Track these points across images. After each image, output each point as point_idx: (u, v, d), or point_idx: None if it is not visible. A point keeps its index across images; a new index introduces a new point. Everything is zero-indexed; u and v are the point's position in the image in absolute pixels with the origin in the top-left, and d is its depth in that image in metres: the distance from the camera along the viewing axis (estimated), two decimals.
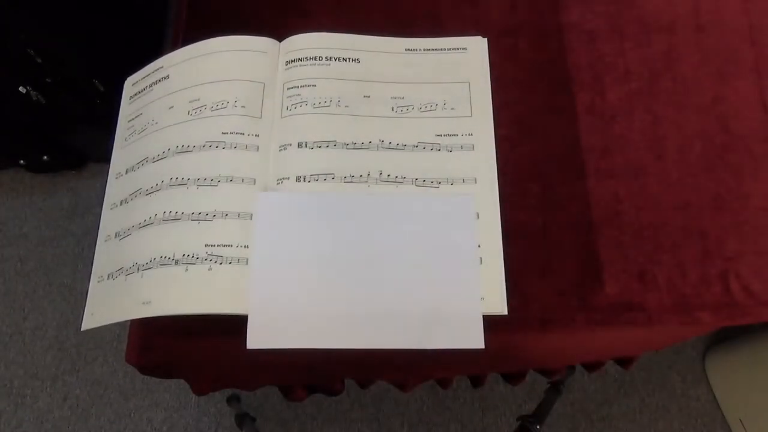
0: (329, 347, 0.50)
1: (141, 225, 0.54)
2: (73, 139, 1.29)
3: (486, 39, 0.61)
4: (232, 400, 1.10)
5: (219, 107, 0.58)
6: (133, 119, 0.62)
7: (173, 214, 0.54)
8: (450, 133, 0.57)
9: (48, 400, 1.33)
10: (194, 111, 0.58)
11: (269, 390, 1.27)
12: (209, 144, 0.56)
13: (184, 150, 0.57)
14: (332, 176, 0.55)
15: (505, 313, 0.51)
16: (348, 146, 0.56)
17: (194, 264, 0.51)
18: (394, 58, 0.61)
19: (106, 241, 0.57)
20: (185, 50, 0.61)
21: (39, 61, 0.82)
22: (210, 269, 0.51)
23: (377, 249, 0.52)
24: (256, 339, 0.49)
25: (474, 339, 0.49)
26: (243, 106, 0.58)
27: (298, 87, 0.59)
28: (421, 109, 0.58)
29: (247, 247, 0.52)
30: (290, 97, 0.59)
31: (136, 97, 0.63)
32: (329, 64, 0.60)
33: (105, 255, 0.56)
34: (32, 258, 1.44)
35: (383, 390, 1.32)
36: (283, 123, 0.58)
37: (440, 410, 1.31)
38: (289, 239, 0.52)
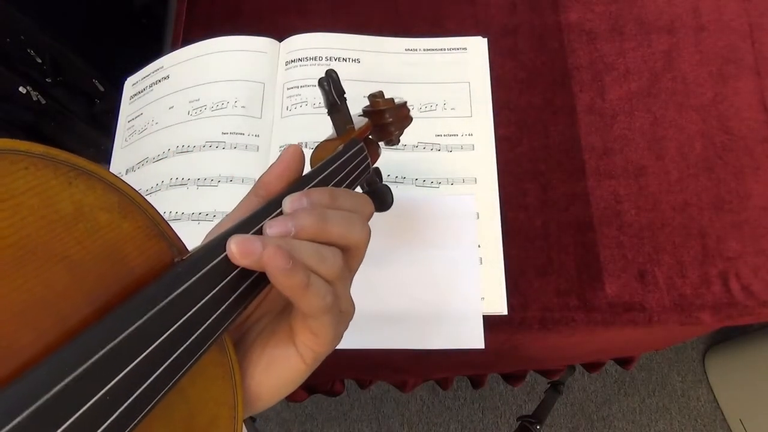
0: None
1: None
2: (73, 139, 1.29)
3: (486, 39, 0.61)
4: None
5: (219, 107, 0.58)
6: (133, 119, 0.62)
7: (173, 214, 0.54)
8: (450, 133, 0.57)
9: None
10: (194, 111, 0.58)
11: None
12: (209, 144, 0.56)
13: (184, 150, 0.57)
14: None
15: (505, 313, 0.51)
16: None
17: None
18: (394, 58, 0.61)
19: None
20: (185, 50, 0.61)
21: (39, 61, 0.82)
22: None
23: (377, 250, 0.52)
24: None
25: (474, 339, 0.49)
26: (243, 106, 0.58)
27: (298, 87, 0.59)
28: (421, 109, 0.58)
29: None
30: (290, 97, 0.59)
31: (136, 97, 0.63)
32: (329, 64, 0.60)
33: None
34: None
35: (383, 390, 1.32)
36: (283, 123, 0.58)
37: (440, 410, 1.31)
38: None
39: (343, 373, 0.86)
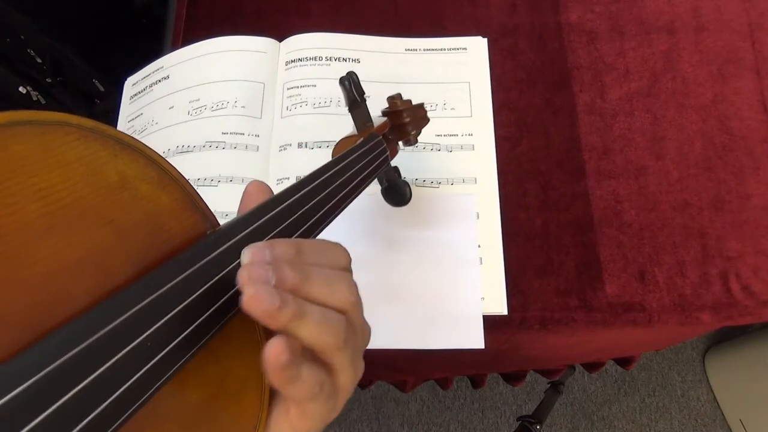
0: None
1: None
2: None
3: (486, 39, 0.61)
4: None
5: (219, 107, 0.58)
6: (133, 119, 0.62)
7: None
8: (450, 133, 0.57)
9: None
10: (194, 111, 0.58)
11: None
12: (209, 144, 0.56)
13: (184, 150, 0.57)
14: None
15: (505, 313, 0.51)
16: None
17: None
18: (394, 58, 0.61)
19: None
20: (185, 50, 0.61)
21: (39, 61, 0.82)
22: None
23: (377, 250, 0.52)
24: None
25: (474, 339, 0.49)
26: (243, 106, 0.58)
27: (298, 87, 0.59)
28: None
29: None
30: (290, 97, 0.59)
31: (136, 97, 0.63)
32: (329, 64, 0.60)
33: None
34: None
35: (383, 390, 1.32)
36: (283, 123, 0.58)
37: (440, 410, 1.31)
38: None
39: None
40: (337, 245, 0.26)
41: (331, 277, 0.24)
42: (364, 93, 0.39)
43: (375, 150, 0.38)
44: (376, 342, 0.50)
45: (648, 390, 1.32)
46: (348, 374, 0.25)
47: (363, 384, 0.92)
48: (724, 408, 1.28)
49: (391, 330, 0.50)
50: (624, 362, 0.90)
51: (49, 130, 0.20)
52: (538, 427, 0.80)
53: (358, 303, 0.25)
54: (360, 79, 0.40)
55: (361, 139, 0.38)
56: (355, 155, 0.35)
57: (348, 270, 0.26)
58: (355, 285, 0.25)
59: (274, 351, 0.20)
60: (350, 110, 0.40)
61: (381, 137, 0.39)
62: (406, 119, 0.43)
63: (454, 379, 1.01)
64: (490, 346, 0.49)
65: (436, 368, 0.86)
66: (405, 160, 0.56)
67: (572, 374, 0.95)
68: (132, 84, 0.64)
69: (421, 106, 0.45)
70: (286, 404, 0.25)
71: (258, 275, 0.21)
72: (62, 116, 0.20)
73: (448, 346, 0.49)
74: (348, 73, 0.39)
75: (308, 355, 0.23)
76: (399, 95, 0.44)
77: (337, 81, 0.40)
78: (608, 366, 0.96)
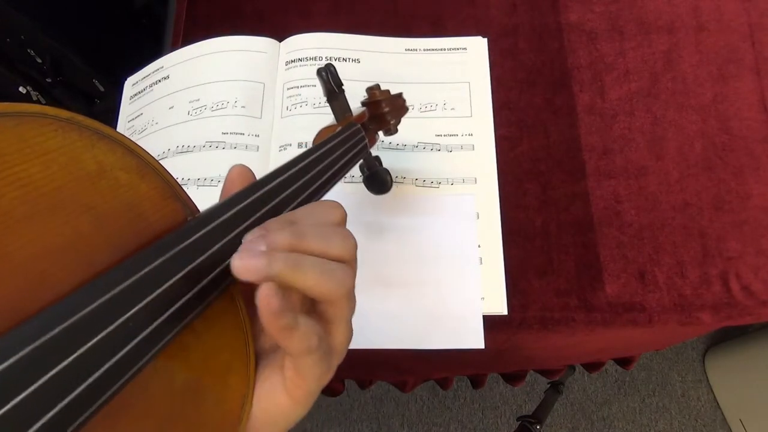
0: None
1: None
2: None
3: (486, 39, 0.61)
4: None
5: (219, 107, 0.58)
6: (133, 119, 0.62)
7: None
8: (450, 133, 0.57)
9: None
10: (194, 111, 0.58)
11: None
12: (209, 144, 0.56)
13: (184, 150, 0.57)
14: None
15: (505, 313, 0.51)
16: None
17: None
18: (394, 58, 0.61)
19: None
20: (185, 50, 0.61)
21: (39, 61, 0.82)
22: None
23: (377, 249, 0.52)
24: None
25: (474, 339, 0.49)
26: (243, 106, 0.58)
27: (298, 87, 0.59)
28: (421, 109, 0.58)
29: None
30: (290, 97, 0.59)
31: (136, 97, 0.63)
32: None
33: None
34: None
35: (383, 390, 1.32)
36: (283, 123, 0.58)
37: (440, 410, 1.31)
38: None
39: (343, 373, 0.86)
40: (326, 202, 0.28)
41: (325, 233, 0.25)
42: (342, 84, 0.40)
43: (353, 138, 0.39)
44: (376, 342, 0.50)
45: (648, 390, 1.32)
46: (344, 331, 0.26)
47: (363, 384, 0.92)
48: (724, 408, 1.28)
49: (391, 330, 0.50)
50: (624, 362, 0.90)
51: (26, 122, 0.20)
52: (538, 427, 0.80)
53: (354, 258, 0.26)
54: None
55: (340, 127, 0.39)
56: (333, 143, 0.36)
57: (338, 223, 0.28)
58: (351, 237, 0.26)
59: (263, 294, 0.21)
60: (328, 101, 0.40)
61: (359, 126, 0.40)
62: (385, 109, 0.44)
63: (454, 379, 1.01)
64: (490, 346, 0.49)
65: (436, 368, 0.86)
66: (405, 160, 0.56)
67: (572, 374, 0.95)
68: (132, 84, 0.64)
69: (399, 95, 0.46)
70: (279, 369, 0.26)
71: (248, 248, 0.22)
72: (38, 108, 0.21)
73: (448, 346, 0.49)
74: (326, 65, 0.40)
75: (305, 308, 0.25)
76: (377, 85, 0.44)
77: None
78: (608, 366, 0.96)
